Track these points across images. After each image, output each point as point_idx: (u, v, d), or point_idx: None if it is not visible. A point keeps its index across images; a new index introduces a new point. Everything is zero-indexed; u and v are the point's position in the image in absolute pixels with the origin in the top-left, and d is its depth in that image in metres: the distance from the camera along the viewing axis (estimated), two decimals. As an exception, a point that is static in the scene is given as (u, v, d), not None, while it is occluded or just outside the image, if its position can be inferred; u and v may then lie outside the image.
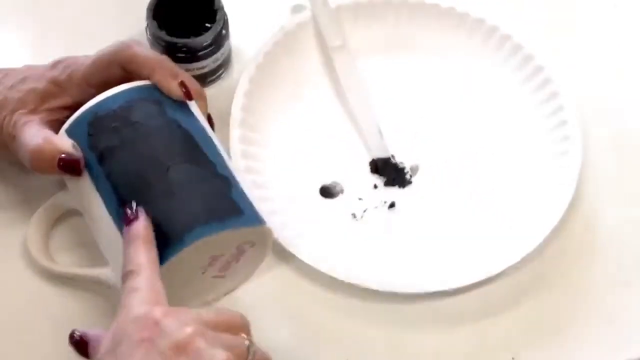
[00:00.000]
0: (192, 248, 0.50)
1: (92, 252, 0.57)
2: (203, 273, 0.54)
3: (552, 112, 0.65)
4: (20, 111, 0.55)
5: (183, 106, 0.55)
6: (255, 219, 0.53)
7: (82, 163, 0.52)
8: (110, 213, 0.52)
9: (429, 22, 0.68)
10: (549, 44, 0.68)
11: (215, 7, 0.64)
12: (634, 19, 0.72)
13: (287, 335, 0.58)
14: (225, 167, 0.54)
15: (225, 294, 0.58)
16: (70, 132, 0.54)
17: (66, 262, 0.58)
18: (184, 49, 0.63)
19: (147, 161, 0.52)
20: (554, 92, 0.65)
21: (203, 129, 0.55)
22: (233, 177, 0.54)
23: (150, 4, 0.63)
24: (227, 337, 0.47)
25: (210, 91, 0.66)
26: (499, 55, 0.67)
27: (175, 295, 0.52)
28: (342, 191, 0.63)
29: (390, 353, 0.58)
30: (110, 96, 0.54)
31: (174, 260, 0.50)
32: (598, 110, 0.67)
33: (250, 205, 0.53)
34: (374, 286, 0.58)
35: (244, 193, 0.53)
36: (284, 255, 0.59)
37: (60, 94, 0.56)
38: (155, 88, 0.55)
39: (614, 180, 0.64)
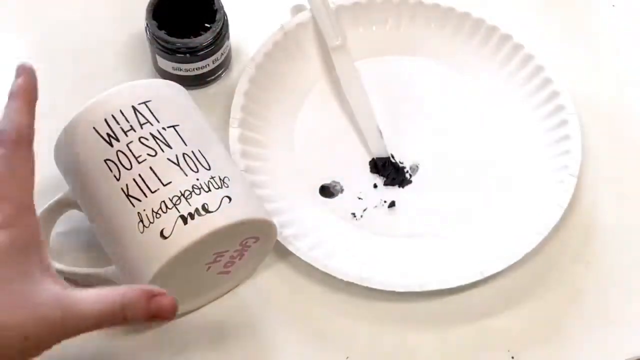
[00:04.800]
0: (198, 241, 0.51)
1: (96, 252, 0.58)
2: (208, 270, 0.55)
3: (552, 112, 0.65)
4: None
5: None
6: (260, 212, 0.54)
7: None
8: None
9: (429, 22, 0.68)
10: (549, 44, 0.68)
11: (215, 7, 0.64)
12: (632, 18, 0.72)
13: (286, 335, 0.58)
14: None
15: (228, 291, 0.58)
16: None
17: (70, 263, 0.58)
18: (184, 49, 0.63)
19: None
20: (554, 92, 0.65)
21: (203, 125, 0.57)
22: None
23: (149, 4, 0.63)
24: None
25: (210, 91, 0.66)
26: (498, 56, 0.67)
27: (181, 291, 0.53)
28: (342, 191, 0.63)
29: (390, 352, 0.58)
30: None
31: (179, 253, 0.50)
32: (598, 109, 0.67)
33: (254, 198, 0.54)
34: (374, 285, 0.58)
35: (246, 187, 0.55)
36: (284, 255, 0.59)
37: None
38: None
39: (613, 179, 0.65)
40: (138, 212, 0.51)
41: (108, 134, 0.53)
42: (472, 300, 0.59)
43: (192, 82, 0.65)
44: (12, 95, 0.50)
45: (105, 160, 0.53)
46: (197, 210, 0.51)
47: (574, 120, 0.64)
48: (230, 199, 0.52)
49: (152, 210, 0.51)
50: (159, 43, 0.63)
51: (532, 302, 0.59)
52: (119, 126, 0.53)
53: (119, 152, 0.53)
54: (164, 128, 0.54)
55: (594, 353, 0.58)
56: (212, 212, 0.51)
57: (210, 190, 0.52)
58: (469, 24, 0.68)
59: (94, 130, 0.53)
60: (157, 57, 0.64)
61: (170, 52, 0.63)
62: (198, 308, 0.58)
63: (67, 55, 0.67)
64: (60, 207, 0.57)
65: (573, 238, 0.62)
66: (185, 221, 0.51)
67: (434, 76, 0.68)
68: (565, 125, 0.64)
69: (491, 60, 0.68)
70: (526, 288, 0.60)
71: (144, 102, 0.54)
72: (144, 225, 0.51)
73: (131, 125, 0.53)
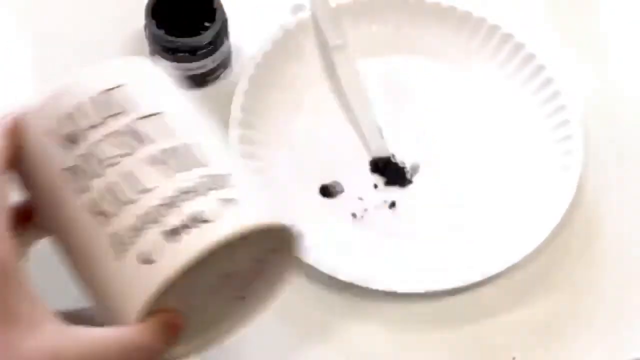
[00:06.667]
0: (194, 263, 0.39)
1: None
2: (214, 296, 0.44)
3: (553, 112, 0.65)
4: None
5: None
6: (275, 215, 0.43)
7: None
8: None
9: (429, 21, 0.68)
10: (551, 43, 0.68)
11: (215, 7, 0.63)
12: (635, 16, 0.72)
13: (287, 335, 0.58)
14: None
15: (247, 320, 0.47)
16: None
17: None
18: (183, 48, 0.63)
19: None
20: (555, 92, 0.65)
21: None
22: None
23: (149, 3, 0.63)
24: None
25: (210, 91, 0.66)
26: (500, 55, 0.67)
27: (188, 321, 0.42)
28: (342, 191, 0.63)
29: (391, 353, 0.57)
30: None
31: (170, 281, 0.39)
32: (600, 109, 0.67)
33: (266, 198, 0.44)
34: (375, 286, 0.58)
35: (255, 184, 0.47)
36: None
37: None
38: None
39: (615, 179, 0.64)
40: (111, 234, 0.40)
41: (67, 136, 0.41)
42: (473, 301, 0.59)
43: (192, 82, 0.65)
44: None
45: (62, 170, 0.41)
46: (191, 219, 0.39)
47: (576, 120, 0.64)
48: (234, 201, 0.41)
49: (128, 229, 0.39)
50: (157, 42, 0.63)
51: (534, 303, 0.59)
52: (79, 123, 0.41)
53: (80, 157, 0.41)
54: (142, 117, 0.42)
55: (595, 353, 0.58)
56: (210, 221, 0.39)
57: (207, 193, 0.40)
58: (470, 23, 0.68)
59: (44, 136, 0.42)
60: (157, 57, 0.64)
61: (169, 52, 0.63)
62: (211, 345, 0.46)
63: (65, 55, 0.67)
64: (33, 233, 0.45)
65: (575, 239, 0.62)
66: (175, 237, 0.39)
67: (434, 75, 0.68)
68: (567, 125, 0.63)
69: (492, 60, 0.67)
70: (527, 289, 0.60)
71: (113, 88, 0.42)
72: (119, 251, 0.39)
73: (97, 119, 0.41)
